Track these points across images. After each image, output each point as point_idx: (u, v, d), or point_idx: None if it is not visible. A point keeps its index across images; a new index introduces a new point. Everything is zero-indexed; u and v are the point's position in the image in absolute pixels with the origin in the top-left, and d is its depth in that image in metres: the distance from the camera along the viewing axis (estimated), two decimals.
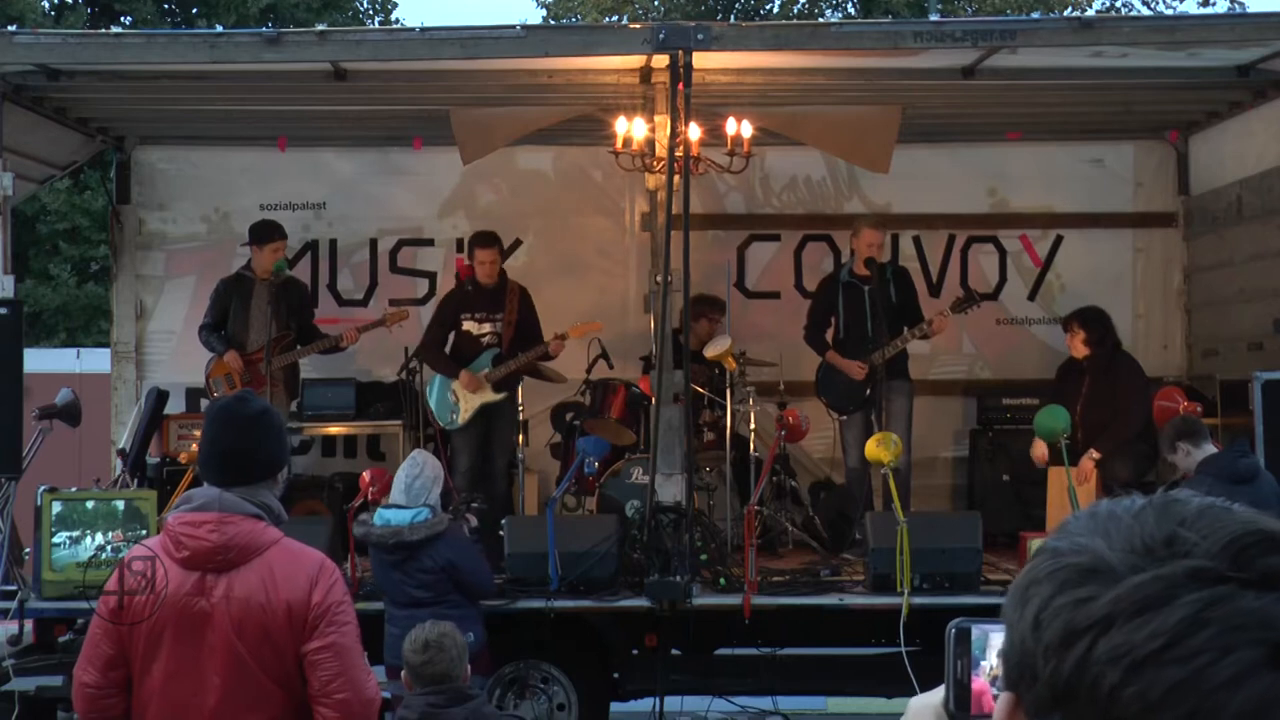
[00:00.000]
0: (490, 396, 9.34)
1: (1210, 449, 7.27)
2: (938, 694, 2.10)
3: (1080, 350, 9.23)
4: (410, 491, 7.00)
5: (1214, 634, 1.00)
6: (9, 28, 9.49)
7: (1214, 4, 25.94)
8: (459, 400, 9.35)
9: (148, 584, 3.63)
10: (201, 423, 4.60)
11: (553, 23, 25.38)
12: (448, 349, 9.56)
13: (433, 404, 9.46)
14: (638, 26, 8.98)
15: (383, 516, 7.02)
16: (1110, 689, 1.01)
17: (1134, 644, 1.01)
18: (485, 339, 9.45)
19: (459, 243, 10.60)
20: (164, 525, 3.79)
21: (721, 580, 7.81)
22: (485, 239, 9.58)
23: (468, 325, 9.50)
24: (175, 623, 3.62)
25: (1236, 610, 1.00)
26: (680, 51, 7.73)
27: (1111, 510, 1.10)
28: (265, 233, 9.48)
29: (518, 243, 10.76)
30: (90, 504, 7.76)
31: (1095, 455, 8.80)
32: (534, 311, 9.57)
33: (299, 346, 9.46)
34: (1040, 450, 8.81)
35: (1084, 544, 1.08)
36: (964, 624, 1.87)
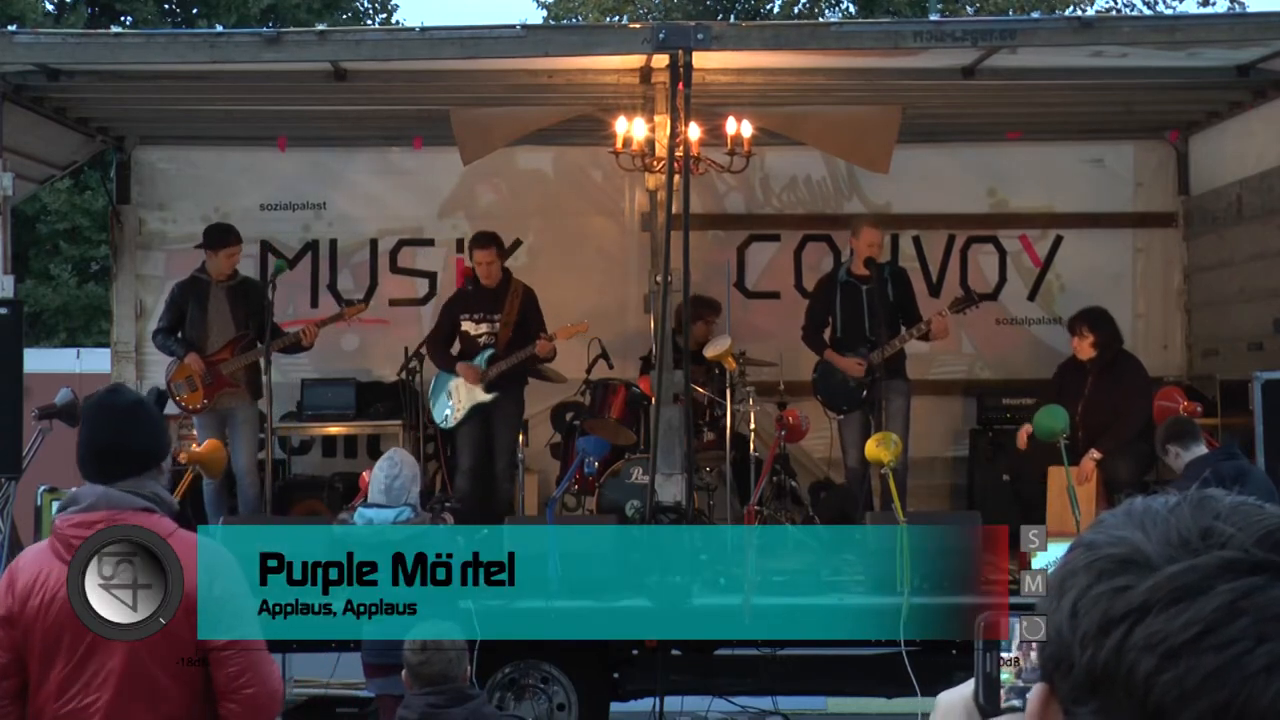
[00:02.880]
0: (481, 397, 9.34)
1: (1200, 451, 7.25)
2: (967, 688, 2.11)
3: (1088, 352, 9.22)
4: (390, 491, 6.99)
5: (1249, 623, 1.02)
6: (9, 28, 9.47)
7: (1214, 4, 25.93)
8: (454, 399, 9.37)
9: (40, 589, 3.54)
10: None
11: (553, 23, 25.37)
12: (454, 350, 9.57)
13: (432, 404, 9.48)
14: (638, 26, 8.98)
15: (364, 515, 7.00)
16: (1146, 676, 1.03)
17: (1170, 632, 1.03)
18: (482, 339, 9.46)
19: (459, 243, 10.61)
20: (52, 528, 3.68)
21: (721, 580, 7.81)
22: (483, 239, 9.58)
23: (466, 325, 9.51)
24: (71, 626, 3.53)
25: (1271, 600, 1.02)
26: (680, 51, 7.74)
27: (1148, 506, 1.12)
28: (220, 237, 9.37)
29: (518, 243, 10.76)
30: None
31: (1096, 455, 8.80)
32: (538, 311, 9.56)
33: (259, 345, 9.39)
34: (1024, 434, 8.89)
35: (1121, 536, 1.10)
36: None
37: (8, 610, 3.59)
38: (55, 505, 7.63)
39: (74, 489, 3.76)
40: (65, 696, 3.57)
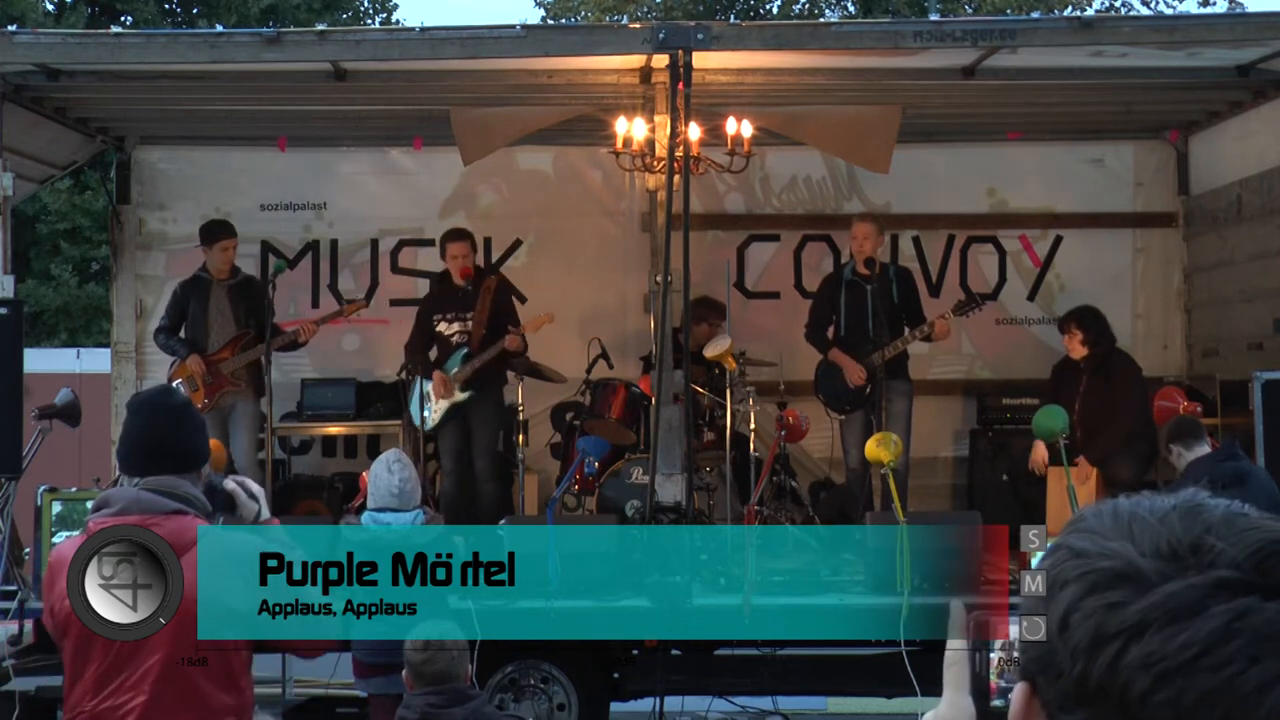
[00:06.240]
0: (458, 397, 9.32)
1: (1203, 451, 7.25)
2: (944, 705, 2.09)
3: (1078, 351, 9.23)
4: (403, 495, 6.98)
5: (1243, 644, 1.03)
6: (9, 28, 9.48)
7: (1214, 4, 25.93)
8: (430, 401, 9.34)
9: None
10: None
11: (552, 23, 25.37)
12: (433, 350, 9.54)
13: (412, 405, 9.44)
14: (638, 26, 8.98)
15: (380, 520, 6.98)
16: (1141, 695, 1.05)
17: (1167, 653, 1.04)
18: (455, 339, 9.42)
19: None
20: (86, 529, 3.72)
21: (721, 580, 7.81)
22: (457, 234, 9.54)
23: (440, 326, 9.47)
24: None
25: (1265, 621, 1.04)
26: (680, 51, 7.74)
27: (1134, 511, 1.12)
28: (213, 231, 9.43)
29: (518, 243, 10.76)
30: (90, 504, 7.74)
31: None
32: (511, 306, 9.53)
33: (260, 344, 9.39)
34: (1040, 454, 8.82)
35: (1112, 547, 1.10)
36: None
37: (49, 608, 3.66)
38: (56, 506, 7.64)
39: (106, 491, 3.81)
40: (101, 695, 3.60)
